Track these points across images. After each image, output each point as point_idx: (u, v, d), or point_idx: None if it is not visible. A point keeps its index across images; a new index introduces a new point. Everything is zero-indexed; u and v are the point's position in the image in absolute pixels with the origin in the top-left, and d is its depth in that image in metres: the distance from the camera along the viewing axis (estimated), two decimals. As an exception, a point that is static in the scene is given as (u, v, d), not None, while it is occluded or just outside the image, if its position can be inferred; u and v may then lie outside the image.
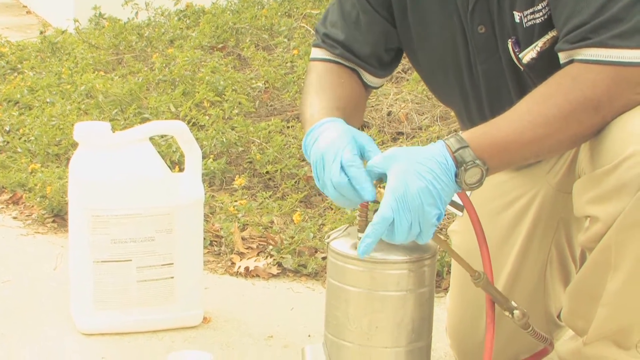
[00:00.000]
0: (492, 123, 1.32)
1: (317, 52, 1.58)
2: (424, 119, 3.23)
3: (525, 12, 1.39)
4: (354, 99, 1.51)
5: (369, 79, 1.58)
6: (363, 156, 1.32)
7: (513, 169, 1.53)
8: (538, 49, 1.39)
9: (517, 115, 1.30)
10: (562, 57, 1.35)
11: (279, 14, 4.06)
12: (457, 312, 1.73)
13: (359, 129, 1.42)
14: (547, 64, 1.38)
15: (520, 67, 1.43)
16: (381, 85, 1.63)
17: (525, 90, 1.37)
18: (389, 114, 3.25)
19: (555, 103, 1.28)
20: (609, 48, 1.29)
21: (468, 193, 1.38)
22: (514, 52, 1.42)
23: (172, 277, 2.00)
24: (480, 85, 1.51)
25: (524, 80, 1.46)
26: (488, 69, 1.48)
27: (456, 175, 1.27)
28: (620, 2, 1.29)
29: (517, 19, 1.40)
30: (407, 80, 3.47)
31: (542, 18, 1.39)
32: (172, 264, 1.99)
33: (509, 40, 1.42)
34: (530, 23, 1.39)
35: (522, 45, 1.41)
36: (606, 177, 1.29)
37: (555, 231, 1.62)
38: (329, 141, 1.30)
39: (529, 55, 1.40)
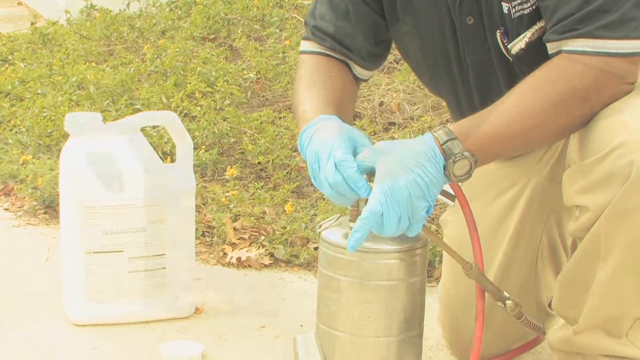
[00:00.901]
0: (480, 115, 1.32)
1: (306, 45, 1.58)
2: (416, 109, 3.22)
3: (513, 3, 1.38)
4: (346, 93, 1.52)
5: (359, 71, 1.58)
6: (357, 153, 1.32)
7: (503, 159, 1.53)
8: (527, 39, 1.39)
9: (505, 107, 1.30)
10: (550, 47, 1.35)
11: (271, 4, 4.05)
12: (449, 302, 1.73)
13: (351, 121, 1.44)
14: (536, 55, 1.38)
15: (509, 58, 1.44)
16: (370, 78, 1.64)
17: (515, 81, 1.37)
18: (380, 104, 3.24)
19: (543, 94, 1.29)
20: (596, 39, 1.29)
21: (452, 192, 1.38)
22: (503, 43, 1.42)
23: (164, 268, 1.99)
24: (469, 76, 1.51)
25: (513, 71, 1.46)
26: (477, 60, 1.48)
27: (445, 168, 1.27)
28: None
29: (505, 10, 1.39)
30: (399, 70, 3.47)
31: (530, 9, 1.38)
32: (164, 254, 1.99)
33: (498, 31, 1.42)
34: (518, 14, 1.39)
35: (510, 36, 1.41)
36: (595, 167, 1.29)
37: (546, 220, 1.62)
38: (323, 140, 1.30)
39: (517, 46, 1.40)
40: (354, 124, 3.09)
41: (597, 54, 1.29)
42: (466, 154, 1.27)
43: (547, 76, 1.29)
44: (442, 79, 1.55)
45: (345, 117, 1.42)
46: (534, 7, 1.38)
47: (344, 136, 1.30)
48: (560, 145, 1.59)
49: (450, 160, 1.27)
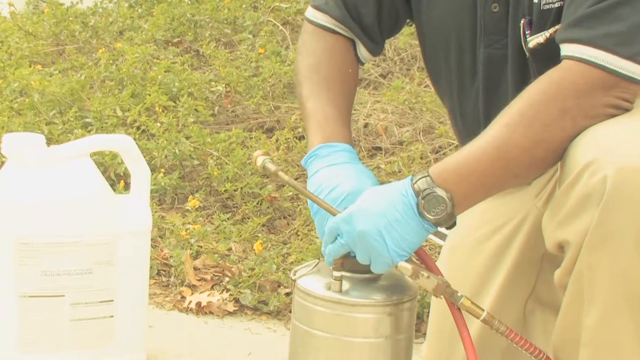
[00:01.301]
0: (458, 151, 1.37)
1: (313, 14, 1.63)
2: (405, 132, 3.19)
3: None
4: (353, 89, 1.60)
5: (363, 54, 1.63)
6: None
7: (492, 195, 1.52)
8: (547, 34, 1.42)
9: (480, 136, 1.34)
10: (558, 42, 1.39)
11: (244, 6, 4.02)
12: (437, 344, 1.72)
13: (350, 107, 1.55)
14: (552, 55, 1.40)
15: (526, 53, 1.46)
16: (366, 63, 1.70)
17: (524, 85, 1.40)
18: (365, 125, 3.21)
19: (520, 103, 1.33)
20: (598, 48, 1.32)
21: (446, 232, 1.40)
22: (524, 34, 1.45)
23: (112, 316, 1.94)
24: (479, 72, 1.53)
25: (525, 73, 1.48)
26: (490, 55, 1.51)
27: (417, 207, 1.31)
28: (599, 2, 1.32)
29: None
30: (387, 87, 3.43)
31: (560, 3, 1.41)
32: (112, 300, 1.94)
33: (523, 20, 1.45)
34: (547, 6, 1.42)
35: (534, 27, 1.44)
36: (569, 193, 1.30)
37: (541, 264, 1.62)
38: (333, 196, 1.39)
39: (536, 40, 1.43)
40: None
41: (596, 65, 1.31)
42: (437, 190, 1.31)
43: (528, 104, 1.33)
44: (451, 70, 1.57)
45: (348, 110, 1.54)
46: (562, 3, 1.41)
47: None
48: (555, 177, 1.58)
49: (419, 197, 1.31)
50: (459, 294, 1.36)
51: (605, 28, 1.31)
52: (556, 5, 1.41)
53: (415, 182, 1.32)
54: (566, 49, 1.34)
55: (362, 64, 1.65)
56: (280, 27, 3.86)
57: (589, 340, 1.34)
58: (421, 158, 2.95)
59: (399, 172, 2.89)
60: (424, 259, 1.38)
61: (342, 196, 1.38)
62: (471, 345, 1.36)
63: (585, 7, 1.33)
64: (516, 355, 1.63)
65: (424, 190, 1.31)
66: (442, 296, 1.36)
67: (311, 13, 1.63)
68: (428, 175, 1.32)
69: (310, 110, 1.51)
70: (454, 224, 1.34)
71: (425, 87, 3.42)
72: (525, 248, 1.62)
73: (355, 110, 3.28)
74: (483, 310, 1.38)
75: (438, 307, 1.71)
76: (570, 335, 1.37)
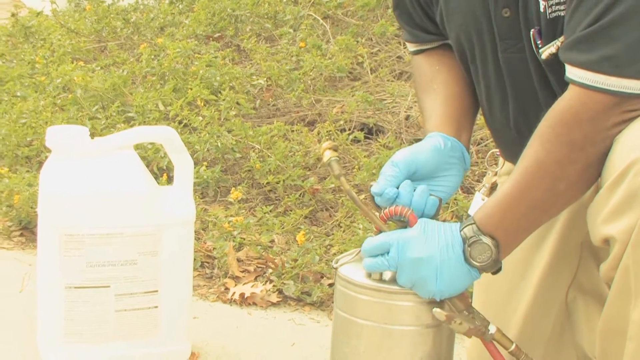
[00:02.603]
0: (494, 193, 1.42)
1: (408, 46, 1.72)
2: (447, 125, 3.16)
3: (550, 2, 1.41)
4: (453, 80, 1.61)
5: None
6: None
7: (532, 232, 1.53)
8: (558, 43, 1.40)
9: (507, 180, 1.38)
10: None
11: (284, 0, 4.01)
12: (478, 350, 1.70)
13: (468, 96, 1.57)
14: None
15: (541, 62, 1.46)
16: None
17: (550, 87, 1.42)
18: (407, 118, 3.19)
19: (534, 144, 1.36)
20: (596, 72, 1.32)
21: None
22: (535, 45, 1.44)
23: (156, 307, 1.95)
24: (503, 74, 1.53)
25: (547, 75, 1.48)
26: (510, 59, 1.50)
27: (464, 254, 1.35)
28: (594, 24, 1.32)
29: (541, 7, 1.42)
30: (429, 79, 3.41)
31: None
32: (157, 291, 1.95)
33: (532, 30, 1.44)
34: (554, 14, 1.41)
35: (544, 37, 1.43)
36: (613, 192, 1.31)
37: (580, 254, 1.63)
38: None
39: (548, 50, 1.42)
40: (377, 140, 3.04)
41: (598, 90, 1.32)
42: (482, 237, 1.35)
43: (540, 143, 1.36)
44: (477, 72, 1.57)
45: (464, 105, 1.57)
46: None
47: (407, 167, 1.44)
48: None
49: (466, 244, 1.35)
50: (489, 332, 1.39)
51: (602, 51, 1.31)
52: (563, 13, 1.40)
53: (462, 228, 1.36)
54: (569, 71, 1.35)
55: None
56: (321, 21, 3.86)
57: (635, 334, 1.34)
58: (462, 148, 2.93)
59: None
60: (463, 297, 1.40)
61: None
62: None
63: (581, 28, 1.33)
64: (559, 349, 1.62)
65: (470, 237, 1.35)
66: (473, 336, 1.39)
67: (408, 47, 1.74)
68: (474, 223, 1.36)
69: (423, 119, 1.60)
70: (500, 269, 1.38)
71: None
72: (563, 236, 1.62)
73: (396, 102, 3.27)
74: (512, 342, 1.41)
75: (479, 298, 1.71)
76: (616, 327, 1.38)
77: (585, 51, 1.32)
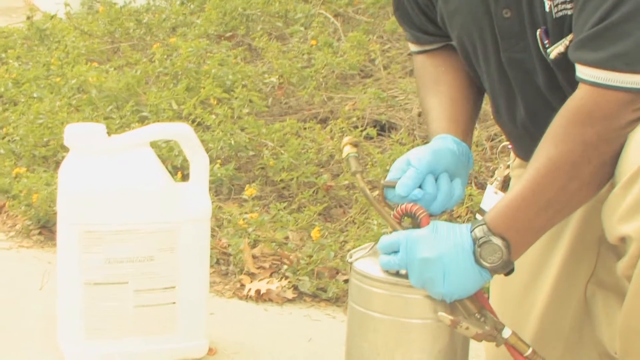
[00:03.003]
0: (506, 194, 1.40)
1: (410, 46, 1.71)
2: (459, 121, 3.17)
3: (556, 1, 1.39)
4: (457, 81, 1.60)
5: None
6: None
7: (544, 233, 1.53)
8: (566, 42, 1.39)
9: (519, 180, 1.37)
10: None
11: (295, -1, 4.03)
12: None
13: (475, 100, 1.58)
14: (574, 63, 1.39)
15: (549, 62, 1.44)
16: None
17: (557, 86, 1.40)
18: (419, 114, 3.20)
19: (546, 143, 1.35)
20: (608, 70, 1.31)
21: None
22: (543, 45, 1.42)
23: (174, 303, 1.97)
24: (507, 74, 1.51)
25: (554, 75, 1.46)
26: (513, 59, 1.48)
27: (474, 255, 1.34)
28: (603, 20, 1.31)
29: (546, 7, 1.40)
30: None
31: (572, 10, 1.38)
32: (174, 287, 1.96)
33: (538, 30, 1.42)
34: (560, 14, 1.39)
35: (551, 37, 1.41)
36: (628, 190, 1.30)
37: (598, 249, 1.60)
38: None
39: (556, 50, 1.41)
40: (390, 137, 3.05)
41: (610, 87, 1.31)
42: (493, 238, 1.33)
43: (553, 143, 1.35)
44: (482, 73, 1.56)
45: (467, 106, 1.56)
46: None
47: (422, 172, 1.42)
48: None
49: (476, 245, 1.33)
50: (502, 336, 1.37)
51: (612, 49, 1.30)
52: (569, 12, 1.38)
53: (473, 229, 1.34)
54: (579, 70, 1.34)
55: None
56: (332, 19, 3.87)
57: None
58: (476, 145, 2.93)
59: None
60: (479, 300, 1.38)
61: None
62: None
63: (589, 26, 1.32)
64: (579, 345, 1.61)
65: (480, 238, 1.33)
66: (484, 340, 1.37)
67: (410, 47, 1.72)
68: (485, 224, 1.34)
69: (424, 119, 1.62)
70: (512, 270, 1.36)
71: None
72: (580, 232, 1.61)
73: (408, 99, 3.28)
74: (529, 346, 1.39)
75: (495, 295, 1.71)
76: (636, 326, 1.36)
77: (595, 49, 1.31)
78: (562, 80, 1.43)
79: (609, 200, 1.35)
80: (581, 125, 1.33)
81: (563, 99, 1.37)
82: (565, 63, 1.40)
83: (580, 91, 1.34)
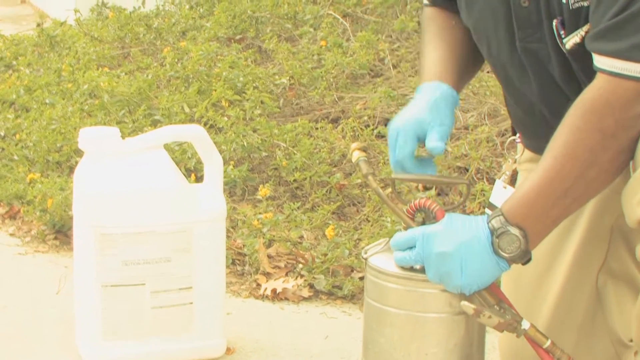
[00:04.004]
0: (521, 183, 1.43)
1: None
2: (470, 117, 3.18)
3: None
4: (465, 39, 1.61)
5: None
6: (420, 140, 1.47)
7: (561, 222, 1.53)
8: (582, 33, 1.40)
9: (535, 170, 1.38)
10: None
11: (304, 0, 4.03)
12: (508, 338, 1.69)
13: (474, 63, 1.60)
14: (590, 53, 1.39)
15: (565, 53, 1.46)
16: None
17: (572, 77, 1.42)
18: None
19: (564, 132, 1.36)
20: (626, 61, 1.33)
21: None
22: (559, 35, 1.44)
23: (191, 303, 1.98)
24: (524, 63, 1.53)
25: (570, 65, 1.47)
26: (529, 49, 1.50)
27: (492, 246, 1.35)
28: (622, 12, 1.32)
29: (563, 0, 1.41)
30: (450, 73, 3.42)
31: (589, 2, 1.39)
32: (191, 287, 1.97)
33: (555, 20, 1.44)
34: (577, 5, 1.41)
35: (567, 28, 1.43)
36: None
37: (609, 239, 1.61)
38: (400, 120, 1.48)
39: (572, 40, 1.42)
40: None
41: (629, 77, 1.32)
42: (510, 228, 1.34)
43: (570, 131, 1.36)
44: (496, 64, 1.57)
45: (468, 65, 1.59)
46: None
47: (416, 125, 1.46)
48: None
49: (494, 236, 1.34)
50: (522, 327, 1.38)
51: (631, 39, 1.32)
52: (586, 3, 1.40)
53: (490, 220, 1.35)
54: (597, 60, 1.35)
55: None
56: (341, 19, 3.88)
57: None
58: (487, 141, 2.93)
59: (466, 155, 2.88)
60: (496, 293, 1.39)
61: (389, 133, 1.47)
62: None
63: (608, 17, 1.33)
64: (592, 334, 1.62)
65: (498, 229, 1.34)
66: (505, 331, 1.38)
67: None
68: (502, 214, 1.35)
69: (420, 64, 1.62)
70: (529, 259, 1.37)
71: (488, 71, 3.40)
72: (593, 221, 1.61)
73: (419, 96, 3.27)
74: (547, 338, 1.40)
75: (508, 286, 1.71)
76: None
77: (614, 40, 1.33)
78: (577, 71, 1.45)
79: (629, 184, 1.36)
80: (600, 113, 1.34)
81: (578, 89, 1.39)
82: (580, 54, 1.41)
83: (598, 81, 1.35)
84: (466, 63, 1.59)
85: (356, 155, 1.47)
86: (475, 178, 2.80)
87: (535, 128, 1.57)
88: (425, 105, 1.50)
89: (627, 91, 1.33)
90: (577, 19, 1.41)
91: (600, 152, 1.35)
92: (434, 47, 1.60)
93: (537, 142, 1.59)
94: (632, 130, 1.34)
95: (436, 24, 1.65)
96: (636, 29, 1.31)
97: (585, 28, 1.40)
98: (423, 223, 1.38)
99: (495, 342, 1.83)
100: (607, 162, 1.36)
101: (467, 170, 2.83)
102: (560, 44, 1.44)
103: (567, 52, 1.44)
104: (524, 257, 1.36)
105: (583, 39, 1.40)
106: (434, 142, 1.45)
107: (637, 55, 1.31)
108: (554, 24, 1.43)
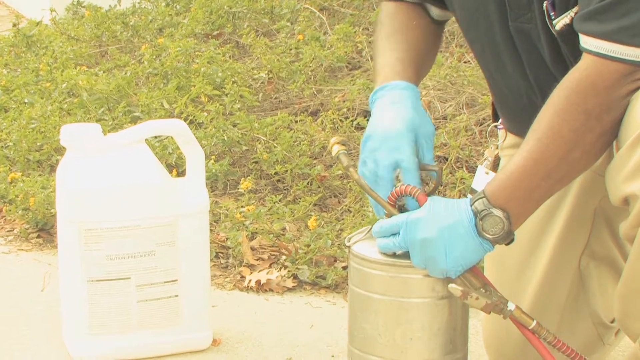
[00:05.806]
0: (504, 166, 1.43)
1: None
2: (448, 107, 3.20)
3: None
4: (426, 40, 1.63)
5: (435, 12, 1.66)
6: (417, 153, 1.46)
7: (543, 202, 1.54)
8: (572, 14, 1.41)
9: (519, 152, 1.38)
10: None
11: (280, -6, 4.04)
12: (492, 321, 1.72)
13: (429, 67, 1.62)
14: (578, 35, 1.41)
15: (554, 33, 1.47)
16: (449, 19, 1.71)
17: (561, 59, 1.43)
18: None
19: (548, 113, 1.37)
20: (614, 42, 1.34)
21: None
22: (548, 16, 1.44)
23: (177, 296, 1.99)
24: (515, 43, 1.53)
25: (559, 47, 1.49)
26: (520, 29, 1.50)
27: (476, 228, 1.36)
28: None
29: None
30: (427, 64, 3.44)
31: None
32: (176, 280, 1.98)
33: (545, 1, 1.45)
34: None
35: (557, 9, 1.44)
36: (634, 149, 1.32)
37: (593, 221, 1.63)
38: (379, 130, 1.45)
39: (562, 21, 1.43)
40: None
41: (614, 59, 1.33)
42: (494, 210, 1.35)
43: (554, 112, 1.37)
44: (484, 46, 1.58)
45: (425, 68, 1.60)
46: None
47: (405, 139, 1.43)
48: None
49: (477, 218, 1.35)
50: (508, 308, 1.39)
51: (619, 22, 1.33)
52: None
53: (473, 202, 1.36)
54: (584, 41, 1.36)
55: (443, 22, 1.68)
56: (318, 13, 3.89)
57: None
58: (466, 130, 2.96)
59: (445, 145, 2.91)
60: (478, 275, 1.40)
61: (364, 141, 1.45)
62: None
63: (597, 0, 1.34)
64: (575, 315, 1.64)
65: (482, 211, 1.35)
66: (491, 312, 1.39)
67: None
68: (484, 197, 1.36)
69: (375, 64, 1.59)
70: (512, 240, 1.38)
71: (466, 62, 3.43)
72: (577, 204, 1.63)
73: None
74: (533, 319, 1.41)
75: (492, 269, 1.73)
76: (637, 285, 1.38)
77: (602, 22, 1.33)
78: (566, 53, 1.46)
79: (613, 162, 1.37)
80: (584, 94, 1.35)
81: (566, 71, 1.39)
82: (570, 35, 1.42)
83: (585, 62, 1.36)
84: (422, 64, 1.59)
85: (336, 149, 1.48)
86: (455, 167, 2.83)
87: (522, 111, 1.58)
88: (410, 109, 1.48)
89: (613, 73, 1.34)
90: (567, 0, 1.42)
91: (585, 134, 1.36)
92: (396, 45, 1.58)
93: (522, 125, 1.61)
94: (616, 112, 1.35)
95: (397, 21, 1.63)
96: (625, 12, 1.32)
97: (575, 9, 1.40)
98: (403, 210, 1.39)
99: (478, 327, 1.86)
100: (590, 143, 1.37)
101: (447, 160, 2.86)
102: (550, 26, 1.45)
103: (557, 34, 1.45)
104: (508, 238, 1.37)
105: (572, 20, 1.41)
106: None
107: (624, 37, 1.32)
108: (544, 5, 1.44)
